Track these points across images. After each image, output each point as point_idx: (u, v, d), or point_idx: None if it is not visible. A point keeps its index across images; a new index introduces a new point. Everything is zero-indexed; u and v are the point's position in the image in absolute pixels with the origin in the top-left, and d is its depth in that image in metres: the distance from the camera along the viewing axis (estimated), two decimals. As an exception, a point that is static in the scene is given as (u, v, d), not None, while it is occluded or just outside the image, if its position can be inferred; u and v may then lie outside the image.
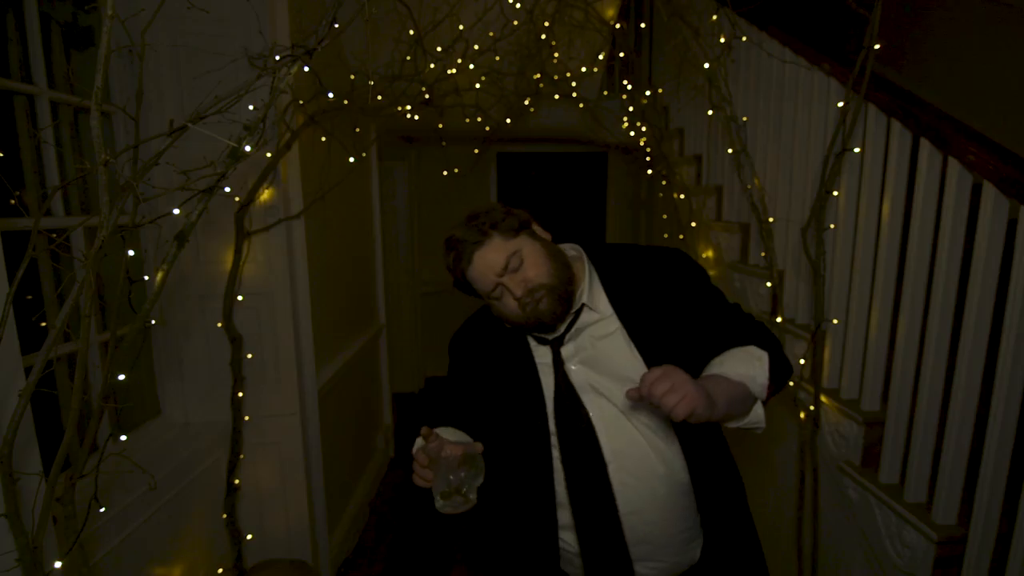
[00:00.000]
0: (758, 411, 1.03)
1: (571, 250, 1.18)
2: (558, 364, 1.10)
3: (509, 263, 1.03)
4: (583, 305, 1.10)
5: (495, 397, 1.16)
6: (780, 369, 1.06)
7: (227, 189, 1.33)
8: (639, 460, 1.05)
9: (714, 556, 1.11)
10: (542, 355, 1.12)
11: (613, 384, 1.07)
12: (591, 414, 1.07)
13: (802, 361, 1.92)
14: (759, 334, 1.09)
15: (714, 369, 1.01)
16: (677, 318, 1.09)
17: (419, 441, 1.01)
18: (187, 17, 1.66)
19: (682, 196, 3.07)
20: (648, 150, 3.39)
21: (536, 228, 1.12)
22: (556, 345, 1.10)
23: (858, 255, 1.74)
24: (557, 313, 1.05)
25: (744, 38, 2.27)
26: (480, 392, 1.18)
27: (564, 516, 1.13)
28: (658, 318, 1.08)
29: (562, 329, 1.10)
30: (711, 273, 2.84)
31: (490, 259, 1.04)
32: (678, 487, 1.06)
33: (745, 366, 1.01)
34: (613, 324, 1.09)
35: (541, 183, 5.69)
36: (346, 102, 2.25)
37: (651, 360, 1.05)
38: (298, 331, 2.21)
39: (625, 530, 1.06)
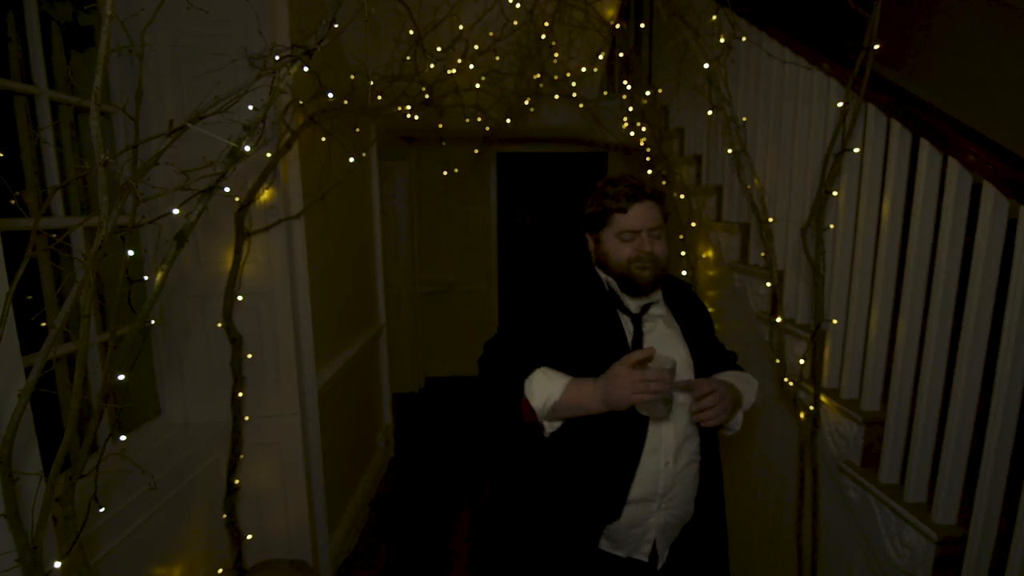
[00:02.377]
0: (739, 418, 1.40)
1: None
2: (638, 334, 1.36)
3: (654, 229, 1.35)
4: (658, 299, 1.41)
5: (586, 353, 1.34)
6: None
7: (227, 189, 1.33)
8: (679, 421, 1.31)
9: (701, 515, 1.37)
10: (625, 323, 1.38)
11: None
12: None
13: (802, 361, 1.91)
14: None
15: (726, 379, 1.35)
16: (701, 329, 1.45)
17: (632, 360, 1.20)
18: (187, 17, 1.67)
19: (682, 196, 3.07)
20: (648, 150, 3.39)
21: None
22: (638, 320, 1.38)
23: (858, 255, 1.74)
24: (647, 284, 1.34)
25: (744, 38, 2.27)
26: (570, 345, 1.36)
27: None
28: (694, 325, 1.43)
29: (637, 310, 1.38)
30: (711, 273, 2.86)
31: (652, 214, 1.35)
32: (695, 452, 1.34)
33: (744, 385, 1.42)
34: (673, 321, 1.42)
35: (541, 183, 5.69)
36: (346, 102, 2.25)
37: (697, 353, 1.38)
38: (298, 331, 2.21)
39: (663, 478, 1.29)
